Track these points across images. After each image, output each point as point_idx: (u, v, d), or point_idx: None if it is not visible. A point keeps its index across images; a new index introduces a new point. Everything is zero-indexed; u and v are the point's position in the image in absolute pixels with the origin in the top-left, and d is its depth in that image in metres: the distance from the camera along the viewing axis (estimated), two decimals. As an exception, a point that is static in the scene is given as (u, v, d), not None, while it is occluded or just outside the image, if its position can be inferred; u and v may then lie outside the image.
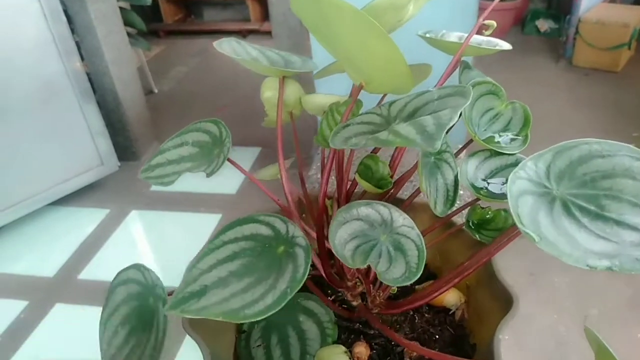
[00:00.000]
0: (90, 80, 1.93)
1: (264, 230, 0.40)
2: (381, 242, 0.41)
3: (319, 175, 0.71)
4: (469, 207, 0.52)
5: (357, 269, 0.49)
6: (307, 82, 0.73)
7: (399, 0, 0.50)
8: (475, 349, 0.54)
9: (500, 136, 0.51)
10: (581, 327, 1.37)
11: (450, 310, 0.57)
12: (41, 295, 1.61)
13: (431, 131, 0.36)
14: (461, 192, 0.50)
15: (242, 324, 0.51)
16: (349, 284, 0.52)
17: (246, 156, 2.27)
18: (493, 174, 0.50)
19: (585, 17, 2.82)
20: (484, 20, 0.54)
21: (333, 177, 0.57)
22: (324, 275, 0.50)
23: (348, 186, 0.58)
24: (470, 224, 0.51)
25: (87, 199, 2.04)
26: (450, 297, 0.57)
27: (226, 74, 3.19)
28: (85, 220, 1.95)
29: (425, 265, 0.40)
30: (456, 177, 0.49)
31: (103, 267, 1.72)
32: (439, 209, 0.47)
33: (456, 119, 0.37)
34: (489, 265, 0.52)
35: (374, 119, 0.43)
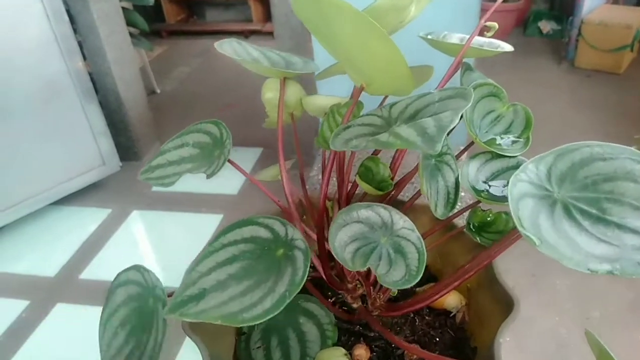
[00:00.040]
0: (92, 80, 1.93)
1: (263, 233, 0.40)
2: (381, 245, 0.41)
3: (321, 176, 0.70)
4: (469, 210, 0.52)
5: (357, 272, 0.49)
6: (308, 83, 0.73)
7: (401, 1, 0.50)
8: (476, 352, 0.54)
9: (501, 138, 0.51)
10: (582, 329, 1.36)
11: (450, 312, 0.57)
12: (42, 294, 1.61)
13: (432, 133, 0.36)
14: (462, 193, 0.50)
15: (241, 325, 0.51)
16: (349, 286, 0.51)
17: (248, 156, 2.27)
18: (494, 176, 0.49)
19: (587, 18, 2.82)
20: (485, 21, 0.54)
21: (334, 178, 0.57)
22: (324, 277, 0.50)
23: (349, 188, 0.58)
24: (471, 226, 0.51)
25: (88, 198, 2.04)
26: (451, 300, 0.57)
27: (228, 74, 3.19)
28: (86, 220, 1.95)
29: (426, 267, 0.40)
30: (457, 179, 0.49)
31: (104, 267, 1.72)
32: (439, 212, 0.46)
33: (457, 121, 0.37)
34: (490, 268, 0.52)
35: (374, 121, 0.43)
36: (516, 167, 0.49)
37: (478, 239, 0.50)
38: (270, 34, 3.57)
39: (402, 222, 0.42)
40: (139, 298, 0.45)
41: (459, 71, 0.55)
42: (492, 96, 0.52)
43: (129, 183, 2.11)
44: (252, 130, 1.92)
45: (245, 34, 3.84)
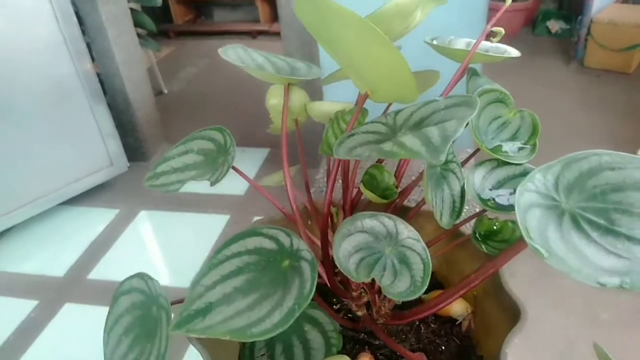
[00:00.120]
0: (100, 81, 1.94)
1: (268, 244, 0.39)
2: (386, 255, 0.41)
3: (326, 179, 0.70)
4: (475, 218, 0.52)
5: (362, 280, 0.48)
6: (315, 88, 0.73)
7: (406, 7, 0.49)
8: (482, 360, 0.53)
9: (507, 145, 0.50)
10: (591, 331, 1.36)
11: (456, 320, 0.57)
12: (51, 294, 1.62)
13: (436, 143, 0.36)
14: (468, 199, 0.49)
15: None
16: (354, 293, 0.51)
17: (255, 157, 2.27)
18: (500, 184, 0.49)
19: (597, 17, 2.79)
20: (492, 25, 0.53)
21: (339, 184, 0.56)
22: (328, 284, 0.50)
23: (354, 194, 0.58)
24: (477, 235, 0.50)
25: (97, 199, 2.05)
26: (457, 308, 0.56)
27: (236, 74, 3.19)
28: (95, 220, 1.97)
29: (432, 274, 0.39)
30: (463, 187, 0.48)
31: (112, 267, 1.73)
32: (444, 221, 0.46)
33: (462, 130, 0.36)
34: (496, 276, 0.51)
35: (379, 128, 0.43)
36: (523, 174, 0.48)
37: (484, 248, 0.49)
38: (277, 34, 3.56)
39: (407, 231, 0.42)
40: (143, 306, 0.45)
41: (465, 76, 0.54)
42: (499, 102, 0.51)
43: (137, 183, 2.12)
44: (259, 131, 1.92)
45: (252, 35, 3.85)
